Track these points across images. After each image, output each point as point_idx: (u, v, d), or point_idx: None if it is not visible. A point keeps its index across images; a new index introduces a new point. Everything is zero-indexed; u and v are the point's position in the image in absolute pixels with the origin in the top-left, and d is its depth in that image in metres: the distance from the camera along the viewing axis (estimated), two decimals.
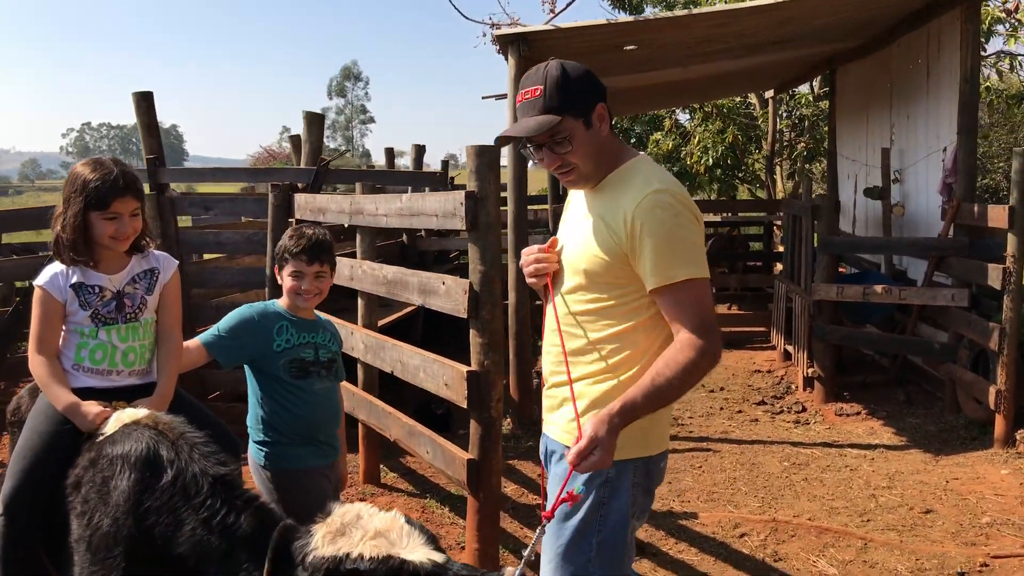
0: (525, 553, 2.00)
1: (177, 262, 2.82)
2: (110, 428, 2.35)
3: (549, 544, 2.32)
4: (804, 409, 7.38)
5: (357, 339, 5.16)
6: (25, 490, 2.31)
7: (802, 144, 16.82)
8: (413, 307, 6.75)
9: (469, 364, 4.05)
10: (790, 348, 8.66)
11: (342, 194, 7.32)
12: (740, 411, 7.37)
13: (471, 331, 4.03)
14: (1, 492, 2.32)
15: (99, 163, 2.51)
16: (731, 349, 9.81)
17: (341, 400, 3.35)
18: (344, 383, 5.30)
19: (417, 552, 1.93)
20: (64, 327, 2.54)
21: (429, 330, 8.37)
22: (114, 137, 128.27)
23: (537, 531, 2.09)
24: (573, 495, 2.11)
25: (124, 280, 2.59)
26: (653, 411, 2.16)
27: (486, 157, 3.85)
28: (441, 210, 4.12)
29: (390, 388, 4.79)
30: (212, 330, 2.96)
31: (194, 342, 2.93)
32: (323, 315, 3.34)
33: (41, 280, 2.51)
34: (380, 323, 6.75)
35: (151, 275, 2.66)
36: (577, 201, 2.43)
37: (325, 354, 3.08)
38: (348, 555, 1.91)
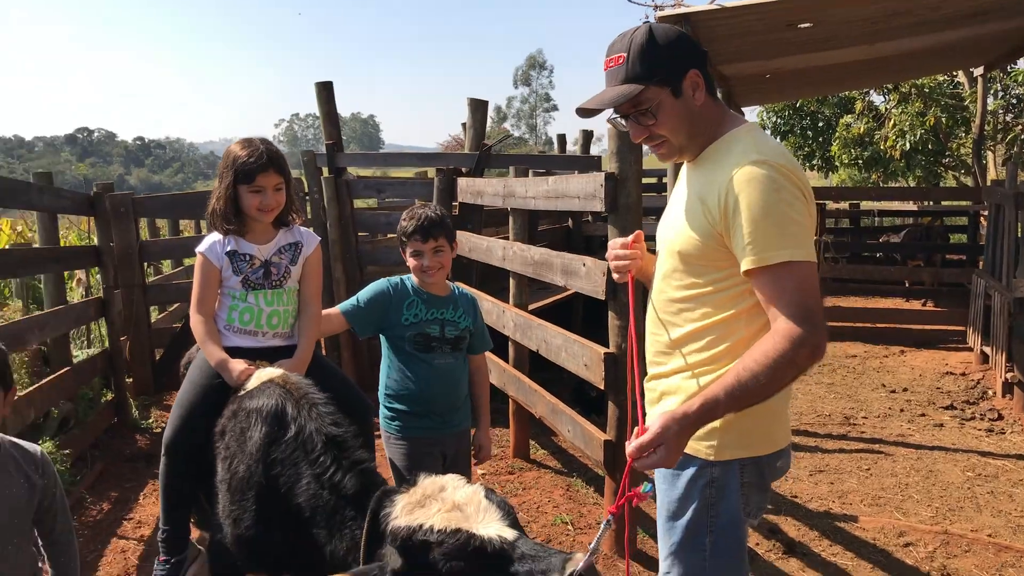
0: (591, 545, 1.95)
1: (319, 239, 3.03)
2: (251, 384, 2.58)
3: (663, 541, 2.25)
4: (1000, 417, 6.67)
5: (508, 318, 5.29)
6: (182, 434, 2.60)
7: (1020, 127, 15.04)
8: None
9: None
10: (987, 350, 7.85)
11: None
12: (923, 415, 6.79)
13: (609, 313, 4.01)
14: (164, 435, 2.63)
15: (248, 142, 2.74)
16: (921, 349, 9.08)
17: (482, 373, 3.41)
18: (496, 359, 5.49)
19: (489, 528, 1.95)
20: (219, 291, 2.81)
21: (592, 312, 8.37)
22: (319, 126, 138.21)
23: (602, 525, 2.02)
24: (639, 494, 2.02)
25: (271, 251, 2.82)
26: (738, 410, 1.93)
27: (627, 138, 3.78)
28: (583, 192, 4.12)
29: (551, 366, 4.86)
30: (351, 300, 3.16)
31: (335, 310, 3.12)
32: (465, 288, 3.40)
33: (202, 247, 2.80)
34: (541, 304, 6.89)
35: (295, 248, 2.88)
36: (682, 177, 2.27)
37: (452, 331, 3.15)
38: (421, 526, 1.98)
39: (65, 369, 5.78)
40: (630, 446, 1.91)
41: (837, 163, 17.56)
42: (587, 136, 12.01)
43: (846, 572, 4.00)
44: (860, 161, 16.55)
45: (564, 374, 6.36)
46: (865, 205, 15.34)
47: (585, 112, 2.10)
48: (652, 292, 2.28)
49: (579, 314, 7.95)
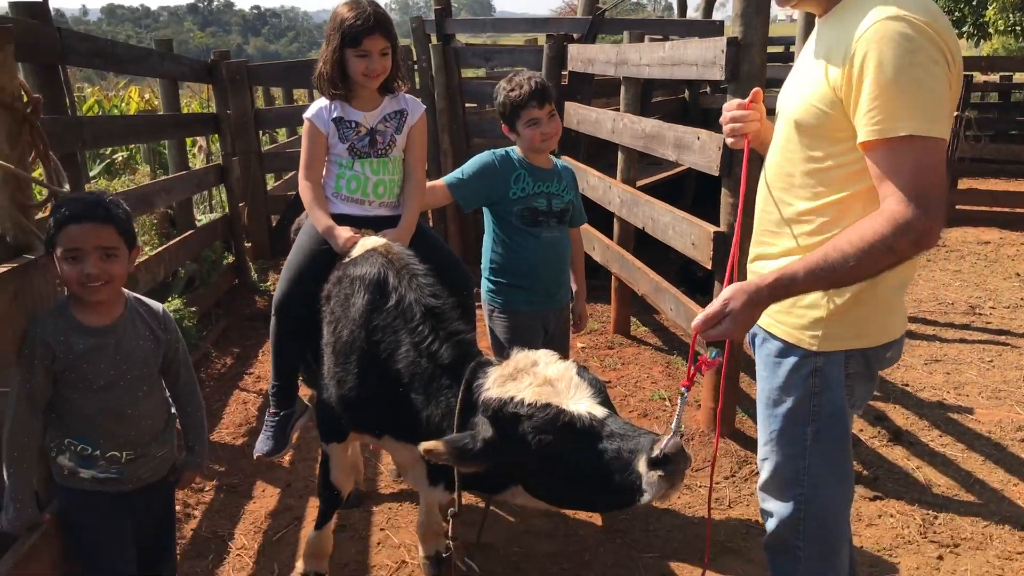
0: (672, 426, 1.90)
1: (424, 107, 2.95)
2: (355, 252, 2.62)
3: (763, 429, 2.20)
4: None
5: (614, 193, 5.16)
6: (290, 296, 2.69)
7: None
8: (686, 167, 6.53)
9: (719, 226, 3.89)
10: None
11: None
12: None
13: (723, 190, 3.83)
14: (274, 296, 2.74)
15: (356, 3, 2.66)
16: None
17: (578, 245, 3.38)
18: (600, 236, 5.41)
19: (579, 404, 1.94)
20: (327, 158, 2.82)
21: (703, 192, 8.09)
22: None
23: (680, 400, 1.97)
24: (707, 361, 1.95)
25: (377, 118, 2.79)
26: (819, 290, 1.84)
27: (753, 1, 3.49)
28: (701, 59, 3.86)
29: (656, 246, 4.76)
30: (456, 172, 3.11)
31: (439, 183, 3.09)
32: (561, 160, 3.32)
33: (309, 113, 2.79)
34: (651, 180, 6.68)
35: (400, 116, 2.83)
36: (811, 37, 2.03)
37: (558, 204, 3.09)
38: (512, 399, 1.99)
39: (189, 232, 6.10)
40: (697, 318, 1.85)
41: (991, 30, 15.80)
42: (709, 0, 11.25)
43: (954, 463, 3.87)
44: (1018, 28, 14.83)
45: (671, 253, 6.25)
46: (1018, 78, 13.87)
47: None
48: (765, 164, 2.13)
49: (690, 192, 7.68)
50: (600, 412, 1.94)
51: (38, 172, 2.36)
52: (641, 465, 1.81)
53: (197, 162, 8.38)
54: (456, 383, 2.21)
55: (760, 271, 2.10)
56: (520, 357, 2.12)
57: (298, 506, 3.51)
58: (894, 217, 1.70)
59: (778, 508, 2.18)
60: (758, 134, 2.22)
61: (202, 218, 7.29)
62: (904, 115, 1.68)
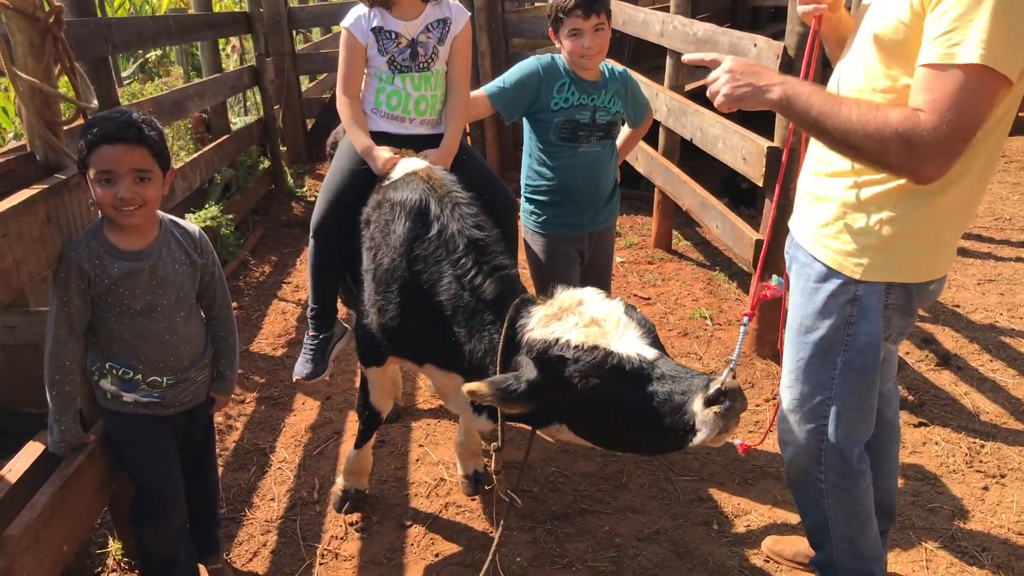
0: (733, 357, 1.83)
1: (468, 14, 2.76)
2: (395, 175, 2.51)
3: (789, 355, 2.13)
4: None
5: (661, 101, 4.93)
6: (329, 218, 2.60)
7: None
8: None
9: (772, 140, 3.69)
10: None
11: None
12: None
13: None
14: (312, 219, 2.65)
15: None
16: None
17: (635, 136, 3.23)
18: (644, 146, 5.21)
19: (628, 345, 1.86)
20: (366, 71, 2.68)
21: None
22: None
23: (740, 331, 1.88)
24: (771, 287, 1.87)
25: (419, 28, 2.62)
26: (802, 123, 1.77)
27: None
28: None
29: (700, 155, 4.57)
30: (497, 81, 2.93)
31: (479, 93, 2.92)
32: (615, 65, 3.04)
33: (347, 22, 2.63)
34: (699, 84, 6.38)
35: (443, 25, 2.65)
36: None
37: (603, 117, 2.90)
38: (557, 340, 1.91)
39: (225, 136, 6.01)
40: (715, 92, 1.84)
41: None
42: None
43: (1005, 389, 3.77)
44: None
45: (715, 163, 6.04)
46: None
47: None
48: (837, 71, 1.97)
49: None
50: (650, 353, 1.86)
51: (65, 86, 2.27)
52: (696, 404, 1.75)
53: (231, 63, 8.20)
54: (499, 319, 2.14)
55: (810, 191, 2.03)
56: (565, 296, 2.03)
57: (338, 420, 3.55)
58: (910, 119, 1.62)
59: (799, 439, 2.17)
60: (831, 21, 2.04)
61: (237, 121, 7.18)
62: (977, 41, 1.55)
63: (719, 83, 1.82)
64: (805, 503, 2.31)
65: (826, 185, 1.95)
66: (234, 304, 4.75)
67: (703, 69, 1.95)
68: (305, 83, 7.97)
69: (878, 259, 1.88)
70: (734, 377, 1.78)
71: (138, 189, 2.00)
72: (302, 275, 5.24)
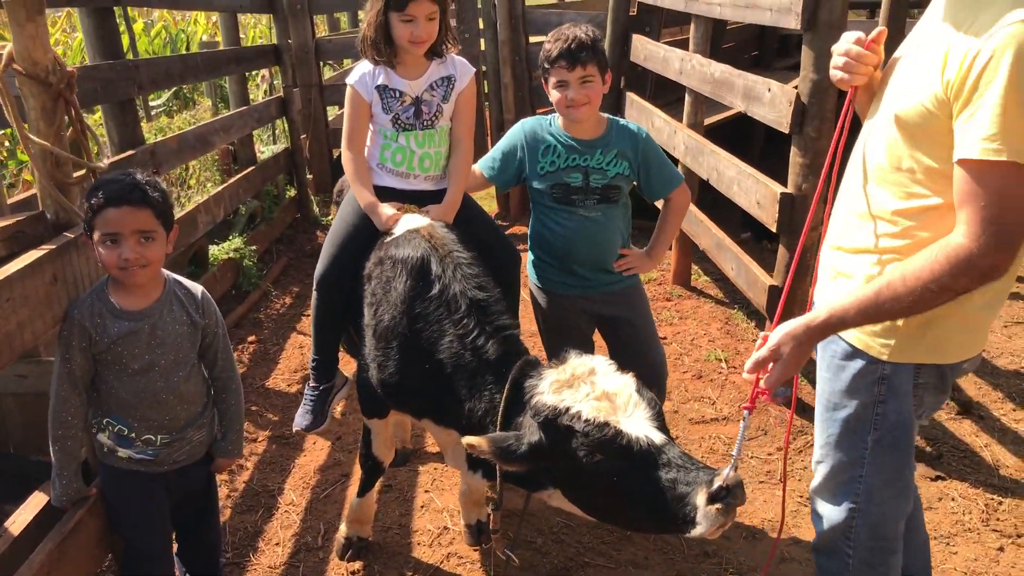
0: (734, 453, 1.81)
1: (473, 70, 2.77)
2: (398, 231, 2.54)
3: (820, 431, 2.08)
4: None
5: (679, 139, 4.92)
6: (332, 271, 2.64)
7: None
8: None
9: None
10: None
11: None
12: None
13: (792, 148, 3.59)
14: (316, 270, 2.69)
15: None
16: None
17: (676, 212, 2.93)
18: None
19: (638, 426, 1.85)
20: (372, 127, 2.72)
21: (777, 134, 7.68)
22: None
23: (741, 425, 1.87)
24: (767, 394, 1.85)
25: (423, 86, 2.65)
26: (863, 325, 1.75)
27: None
28: (776, 4, 3.57)
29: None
30: (490, 155, 2.93)
31: (476, 168, 2.93)
32: (628, 123, 2.88)
33: (352, 79, 2.67)
34: (722, 117, 6.36)
35: (448, 82, 2.68)
36: (936, 3, 1.77)
37: (598, 180, 2.76)
38: (568, 409, 1.90)
39: (250, 168, 6.12)
40: (749, 360, 1.83)
41: None
42: None
43: None
44: None
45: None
46: None
47: None
48: (861, 140, 1.90)
49: (760, 134, 7.29)
50: (658, 438, 1.85)
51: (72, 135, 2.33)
52: (699, 498, 1.73)
53: (259, 93, 8.35)
54: (501, 379, 2.14)
55: (834, 266, 1.98)
56: (577, 363, 2.02)
57: (347, 461, 3.57)
58: (957, 255, 1.56)
59: (829, 513, 2.10)
60: (868, 86, 1.94)
61: (265, 150, 7.31)
62: (1017, 138, 1.49)
63: (776, 375, 1.80)
64: (828, 572, 2.25)
65: (849, 261, 1.91)
66: (252, 338, 4.85)
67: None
68: (332, 112, 8.08)
69: (906, 342, 1.82)
70: (736, 470, 1.77)
71: (141, 250, 2.05)
72: None
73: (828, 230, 2.04)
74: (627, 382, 1.94)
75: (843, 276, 1.94)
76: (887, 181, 1.79)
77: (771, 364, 1.82)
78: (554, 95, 2.72)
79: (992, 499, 3.25)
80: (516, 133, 2.87)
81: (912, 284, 1.62)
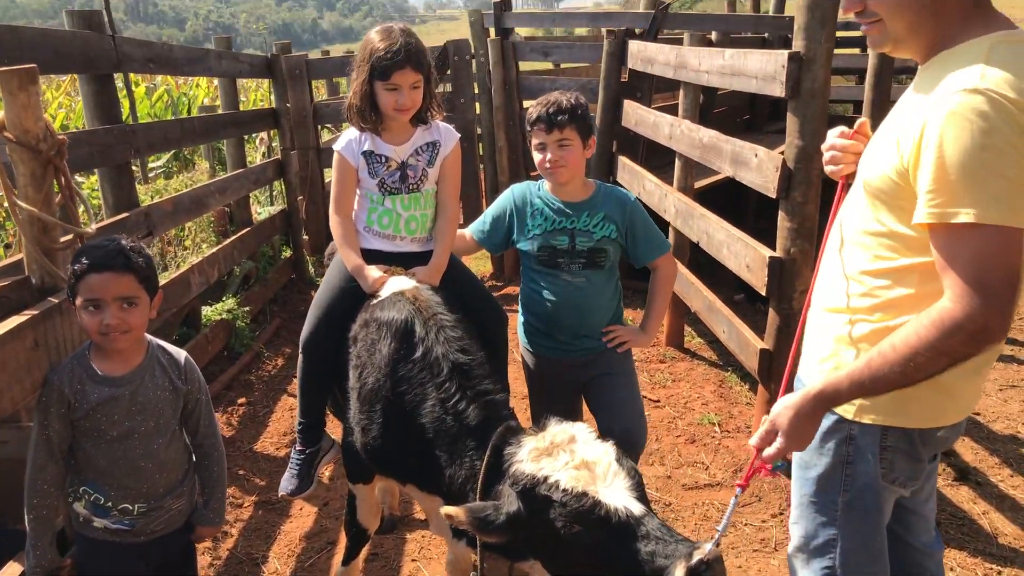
0: (719, 528, 1.79)
1: (458, 136, 2.82)
2: (383, 293, 2.54)
3: (795, 490, 2.08)
4: None
5: (669, 202, 4.98)
6: (318, 334, 2.63)
7: None
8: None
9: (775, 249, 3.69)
10: None
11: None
12: None
13: (780, 213, 3.62)
14: (301, 334, 2.68)
15: (388, 32, 2.56)
16: None
17: (665, 280, 2.91)
18: None
19: (617, 496, 1.82)
20: (359, 191, 2.75)
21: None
22: None
23: (731, 501, 1.85)
24: (766, 469, 1.84)
25: (408, 152, 2.69)
26: (865, 397, 1.75)
27: (817, 12, 3.26)
28: (761, 72, 3.64)
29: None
30: (480, 219, 2.96)
31: (466, 233, 2.97)
32: (616, 188, 2.91)
33: (338, 145, 2.71)
34: (713, 180, 6.44)
35: (433, 148, 2.73)
36: (910, 85, 1.83)
37: (585, 243, 2.76)
38: (546, 478, 1.87)
39: (245, 230, 6.16)
40: (753, 437, 1.83)
41: None
42: None
43: None
44: None
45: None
46: None
47: None
48: (843, 209, 1.96)
49: (753, 196, 7.36)
50: (638, 509, 1.82)
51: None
52: (678, 572, 1.70)
53: (257, 156, 8.46)
54: (482, 445, 2.12)
55: (813, 320, 2.01)
56: (557, 430, 2.00)
57: (333, 528, 3.50)
58: (942, 319, 1.56)
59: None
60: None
61: (262, 211, 7.36)
62: (967, 200, 1.51)
63: (777, 448, 1.79)
64: None
65: (825, 319, 1.94)
66: (242, 400, 4.81)
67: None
68: (329, 174, 8.18)
69: (872, 400, 1.82)
70: (718, 546, 1.74)
71: (124, 315, 2.04)
72: None
73: (813, 290, 2.07)
74: (607, 450, 1.92)
75: (819, 333, 1.97)
76: (858, 244, 1.84)
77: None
78: (536, 156, 2.77)
79: (991, 568, 3.19)
80: (506, 198, 2.91)
81: (902, 350, 1.61)
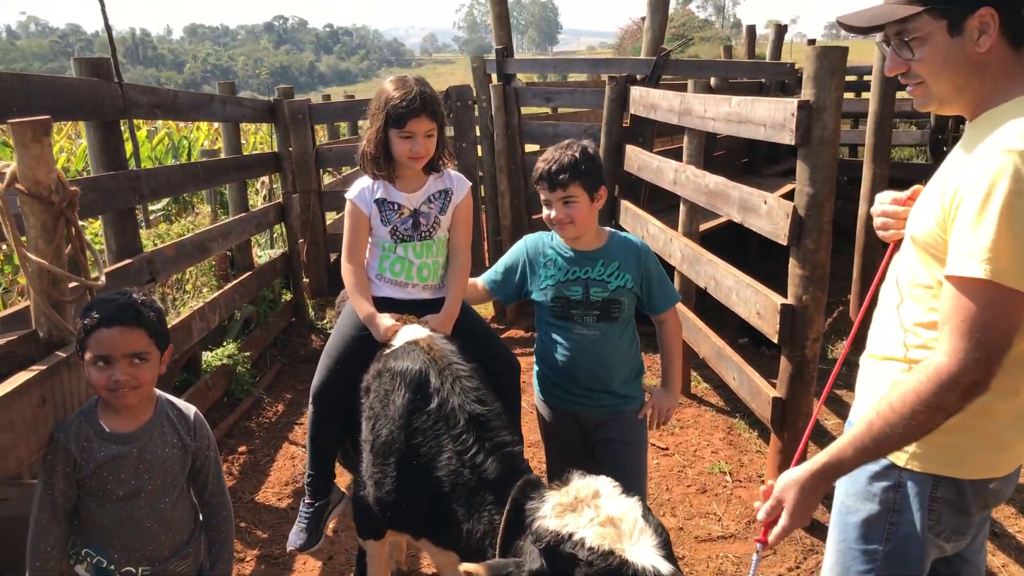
0: None
1: (470, 184, 2.81)
2: (396, 342, 2.50)
3: (832, 536, 2.02)
4: None
5: (675, 247, 4.96)
6: (329, 384, 2.58)
7: None
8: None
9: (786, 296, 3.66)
10: None
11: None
12: None
13: (791, 260, 3.60)
14: (312, 383, 2.63)
15: (403, 82, 2.56)
16: None
17: (673, 334, 2.84)
18: None
19: (644, 555, 1.76)
20: (371, 239, 2.72)
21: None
22: None
23: (753, 559, 1.80)
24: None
25: (420, 199, 2.68)
26: (869, 461, 1.74)
27: (827, 61, 3.29)
28: (770, 120, 3.65)
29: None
30: (493, 269, 2.92)
31: (480, 283, 2.92)
32: (629, 235, 2.85)
33: (351, 194, 2.70)
34: (717, 224, 6.43)
35: (445, 195, 2.71)
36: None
37: (599, 293, 2.68)
38: (571, 535, 1.81)
39: (246, 274, 6.12)
40: (759, 512, 1.81)
41: None
42: (779, 31, 10.90)
43: None
44: None
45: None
46: None
47: (848, 28, 1.78)
48: (895, 262, 1.97)
49: (756, 238, 7.37)
50: (666, 569, 1.75)
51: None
52: None
53: (259, 199, 8.46)
54: (501, 499, 2.06)
55: (875, 370, 1.96)
56: (581, 485, 1.93)
57: None
58: (939, 374, 1.58)
59: None
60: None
61: (262, 254, 7.33)
62: (987, 256, 1.53)
63: (783, 525, 1.77)
64: None
65: (882, 367, 1.92)
66: (243, 448, 4.72)
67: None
68: (330, 217, 8.17)
69: (925, 448, 1.78)
70: None
71: (133, 371, 1.99)
72: None
73: (869, 335, 2.04)
74: (632, 506, 1.85)
75: (873, 380, 1.94)
76: (912, 297, 1.84)
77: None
78: (544, 211, 2.72)
79: None
80: (519, 248, 2.87)
81: (900, 409, 1.63)
